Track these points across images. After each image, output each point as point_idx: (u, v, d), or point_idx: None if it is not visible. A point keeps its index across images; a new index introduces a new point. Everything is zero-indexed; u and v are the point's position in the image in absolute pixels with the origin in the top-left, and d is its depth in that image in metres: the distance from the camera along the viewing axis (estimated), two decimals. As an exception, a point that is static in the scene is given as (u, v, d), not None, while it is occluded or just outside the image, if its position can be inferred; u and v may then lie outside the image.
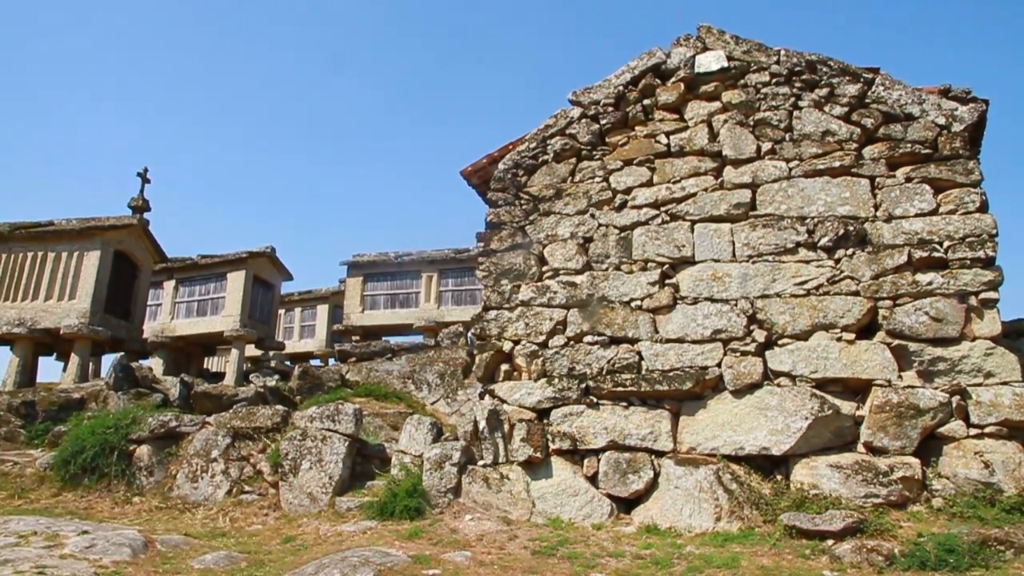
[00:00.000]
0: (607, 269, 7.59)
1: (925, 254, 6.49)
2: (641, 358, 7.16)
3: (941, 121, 6.85)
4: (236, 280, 16.74)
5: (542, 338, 7.57)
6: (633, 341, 7.25)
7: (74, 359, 13.34)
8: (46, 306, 13.57)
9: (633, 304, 7.34)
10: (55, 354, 15.45)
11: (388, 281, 19.85)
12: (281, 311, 21.33)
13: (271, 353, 18.97)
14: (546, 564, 5.49)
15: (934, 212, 6.66)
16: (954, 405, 6.18)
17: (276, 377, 14.69)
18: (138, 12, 64.70)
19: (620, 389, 7.01)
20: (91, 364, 14.25)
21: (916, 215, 6.69)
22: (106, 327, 13.61)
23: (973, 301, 6.34)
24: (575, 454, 7.10)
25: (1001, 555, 5.08)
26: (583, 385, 7.20)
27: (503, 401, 7.48)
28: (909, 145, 6.87)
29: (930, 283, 6.43)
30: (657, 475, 6.74)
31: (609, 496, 6.83)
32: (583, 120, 8.21)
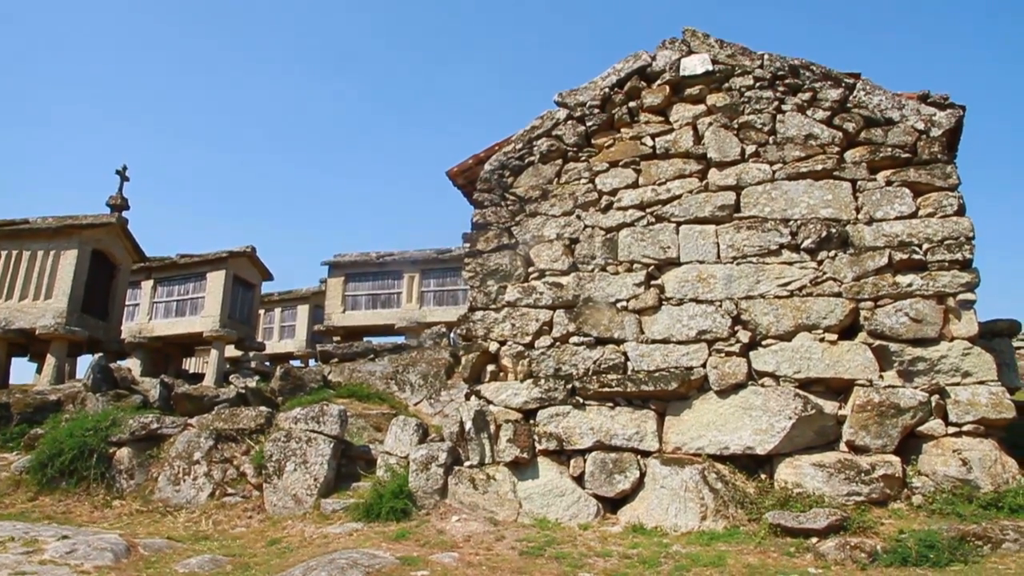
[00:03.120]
0: (593, 270, 7.62)
1: (905, 256, 6.60)
2: (627, 359, 7.20)
3: (920, 126, 6.97)
4: (216, 280, 16.59)
5: (528, 339, 7.59)
6: (619, 342, 7.29)
7: (50, 360, 13.12)
8: (21, 306, 13.34)
9: (619, 305, 7.38)
10: (28, 355, 15.20)
11: (370, 281, 19.78)
12: (261, 311, 21.15)
13: (251, 354, 18.83)
14: (534, 564, 5.51)
15: (914, 215, 6.78)
16: (933, 404, 6.30)
17: (257, 378, 14.59)
18: (120, 11, 63.85)
19: (606, 389, 7.04)
20: (66, 365, 14.03)
21: (896, 218, 6.81)
22: (83, 327, 13.41)
23: (951, 302, 6.46)
24: (561, 454, 7.13)
25: (979, 550, 5.20)
26: (569, 386, 7.23)
27: (489, 402, 7.49)
28: (889, 149, 6.99)
29: (910, 285, 6.54)
30: (643, 475, 6.78)
31: (595, 496, 6.87)
32: (569, 122, 8.24)
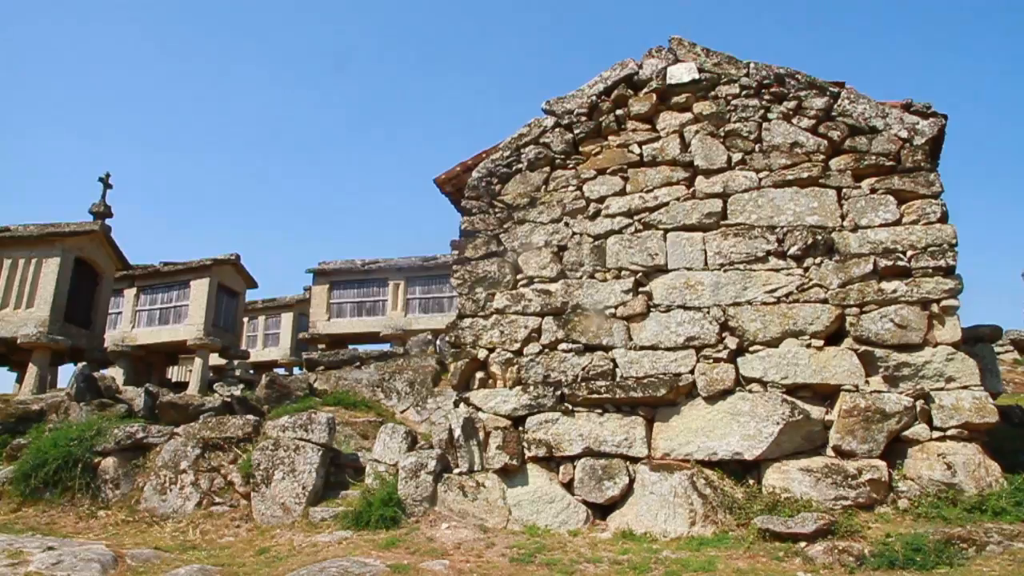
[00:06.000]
0: (581, 277, 7.65)
1: (890, 263, 6.69)
2: (615, 365, 7.24)
3: (904, 134, 7.07)
4: (200, 288, 16.48)
5: (517, 346, 7.60)
6: (607, 348, 7.32)
7: (32, 369, 12.95)
8: (2, 315, 13.17)
9: (607, 312, 7.42)
10: (8, 364, 15.01)
11: (355, 289, 19.71)
12: (245, 319, 21.02)
13: (235, 362, 18.69)
14: (525, 571, 5.51)
15: (898, 222, 6.87)
16: (918, 409, 6.38)
17: (241, 386, 14.45)
18: (103, 18, 63.34)
19: (595, 396, 7.07)
20: (48, 374, 13.85)
21: (881, 225, 6.90)
22: (66, 336, 13.25)
23: (935, 308, 6.56)
24: (551, 461, 7.15)
25: (964, 553, 5.26)
26: (558, 392, 7.26)
27: (478, 409, 7.49)
28: (874, 157, 7.08)
29: (895, 291, 6.63)
30: (632, 481, 6.81)
31: (585, 502, 6.89)
32: (556, 129, 8.28)
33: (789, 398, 6.61)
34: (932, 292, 6.56)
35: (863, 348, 6.60)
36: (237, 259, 17.18)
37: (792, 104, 7.49)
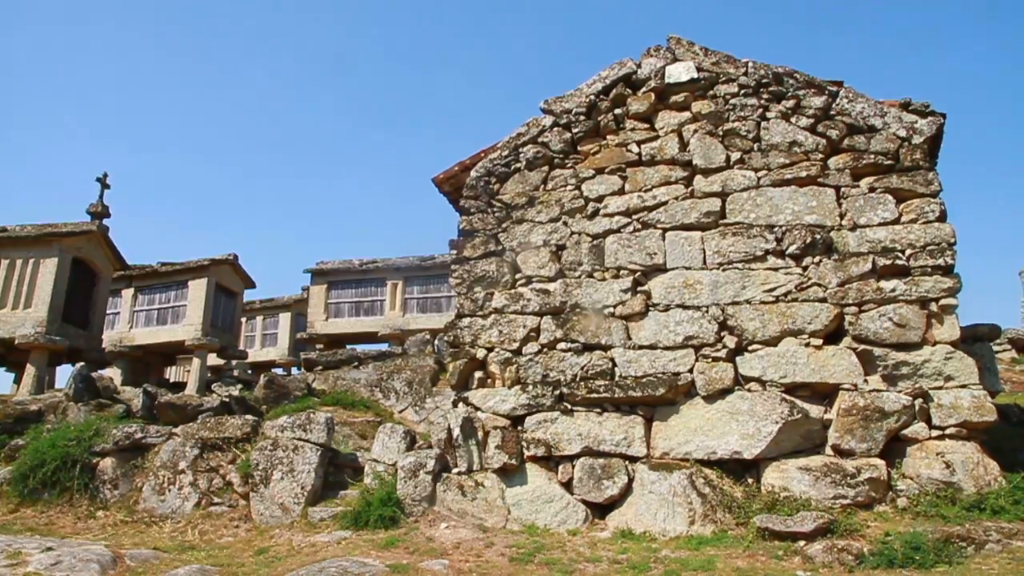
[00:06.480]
0: (580, 277, 7.65)
1: (888, 262, 6.69)
2: (614, 365, 7.23)
3: (902, 133, 7.08)
4: (198, 288, 16.45)
5: (516, 345, 7.60)
6: (606, 348, 7.32)
7: (30, 370, 12.92)
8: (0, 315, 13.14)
9: (606, 311, 7.42)
10: (5, 365, 14.98)
11: (352, 289, 19.68)
12: (243, 319, 20.98)
13: (233, 362, 18.66)
14: (524, 571, 5.51)
15: (896, 221, 6.88)
16: (917, 408, 6.39)
17: (239, 386, 14.44)
18: (100, 19, 63.27)
19: (594, 395, 7.07)
20: (46, 375, 13.83)
21: (879, 224, 6.90)
22: (64, 336, 13.22)
23: (934, 307, 6.57)
24: (550, 460, 7.15)
25: (963, 551, 5.28)
26: (557, 392, 7.26)
27: (477, 408, 7.49)
28: (872, 156, 7.09)
29: (893, 290, 6.64)
30: (631, 480, 6.81)
31: (584, 502, 6.89)
32: (555, 129, 8.28)
33: (788, 397, 6.61)
34: (931, 291, 6.56)
35: (862, 347, 6.61)
36: (235, 259, 17.16)
37: (790, 103, 7.49)
